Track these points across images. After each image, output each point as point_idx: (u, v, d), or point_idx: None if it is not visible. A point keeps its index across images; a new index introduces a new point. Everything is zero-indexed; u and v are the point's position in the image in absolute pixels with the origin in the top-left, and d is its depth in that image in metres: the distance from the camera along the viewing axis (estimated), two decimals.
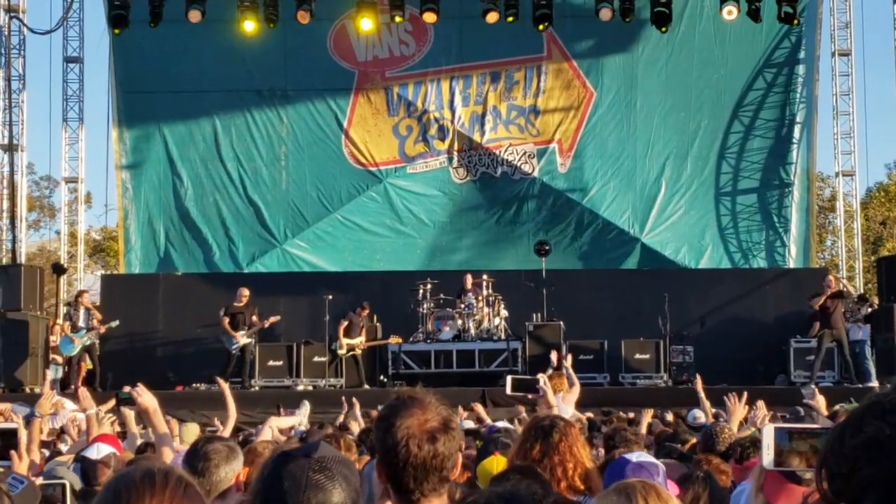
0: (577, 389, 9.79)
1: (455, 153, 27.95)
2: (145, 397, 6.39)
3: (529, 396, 8.35)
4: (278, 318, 22.96)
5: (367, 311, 23.16)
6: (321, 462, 2.94)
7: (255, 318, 22.77)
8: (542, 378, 7.94)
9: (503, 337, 23.16)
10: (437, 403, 3.35)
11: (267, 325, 22.78)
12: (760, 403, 9.39)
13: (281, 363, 23.16)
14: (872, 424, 1.64)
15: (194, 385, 22.64)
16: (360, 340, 22.96)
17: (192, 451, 4.84)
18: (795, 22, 25.72)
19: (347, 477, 2.96)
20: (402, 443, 3.23)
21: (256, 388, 22.52)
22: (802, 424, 3.26)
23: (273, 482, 2.95)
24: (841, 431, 1.69)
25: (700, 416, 12.57)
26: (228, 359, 22.56)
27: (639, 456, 4.61)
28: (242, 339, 22.50)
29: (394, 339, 23.04)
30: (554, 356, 11.18)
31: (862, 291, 30.20)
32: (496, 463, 5.74)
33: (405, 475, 3.25)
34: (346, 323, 22.96)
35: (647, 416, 10.63)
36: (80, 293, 24.38)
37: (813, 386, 17.35)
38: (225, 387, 8.63)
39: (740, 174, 27.89)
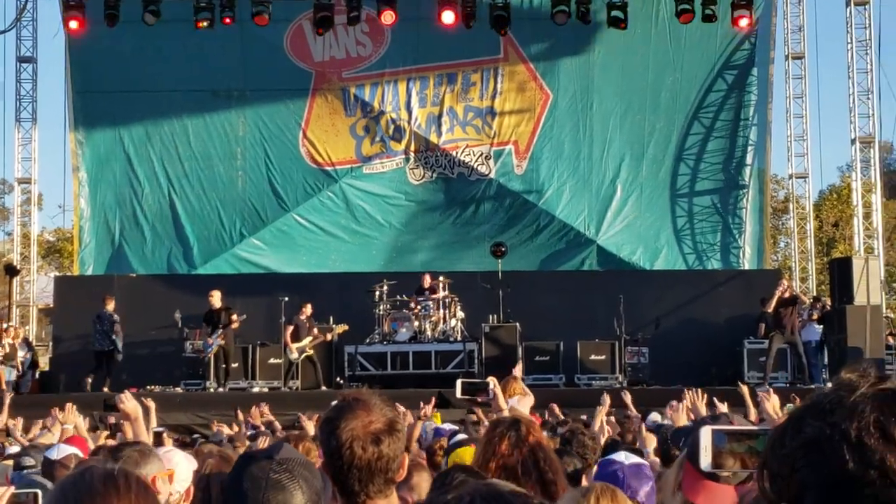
0: (531, 399, 9.81)
1: (412, 154, 27.95)
2: (129, 404, 6.34)
3: (479, 399, 8.33)
4: (244, 316, 22.85)
5: (309, 311, 22.99)
6: (283, 464, 2.95)
7: (234, 317, 22.55)
8: (492, 381, 7.94)
9: (459, 338, 23.14)
10: (383, 405, 3.34)
11: (235, 327, 22.65)
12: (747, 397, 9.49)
13: (236, 365, 23.06)
14: (812, 425, 1.63)
15: (148, 387, 22.49)
16: (308, 341, 22.83)
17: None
18: (749, 25, 25.91)
19: (309, 479, 2.96)
20: (347, 445, 3.22)
21: (211, 390, 22.41)
22: (739, 426, 3.26)
23: (235, 482, 2.94)
24: (781, 432, 1.67)
25: (657, 417, 12.62)
26: (197, 362, 22.61)
27: (628, 457, 4.61)
28: (217, 341, 22.43)
29: (339, 329, 22.96)
30: (517, 370, 11.18)
31: (815, 293, 30.48)
32: (472, 452, 5.71)
33: (350, 477, 3.23)
34: (291, 328, 22.83)
35: (601, 415, 10.66)
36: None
37: (767, 387, 17.47)
38: (151, 405, 8.68)
39: (696, 176, 28.04)
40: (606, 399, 11.15)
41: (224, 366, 22.51)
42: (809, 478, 1.61)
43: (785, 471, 1.64)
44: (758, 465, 1.72)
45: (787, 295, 22.14)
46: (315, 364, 22.89)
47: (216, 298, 22.66)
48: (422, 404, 11.96)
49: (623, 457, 4.57)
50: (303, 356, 22.81)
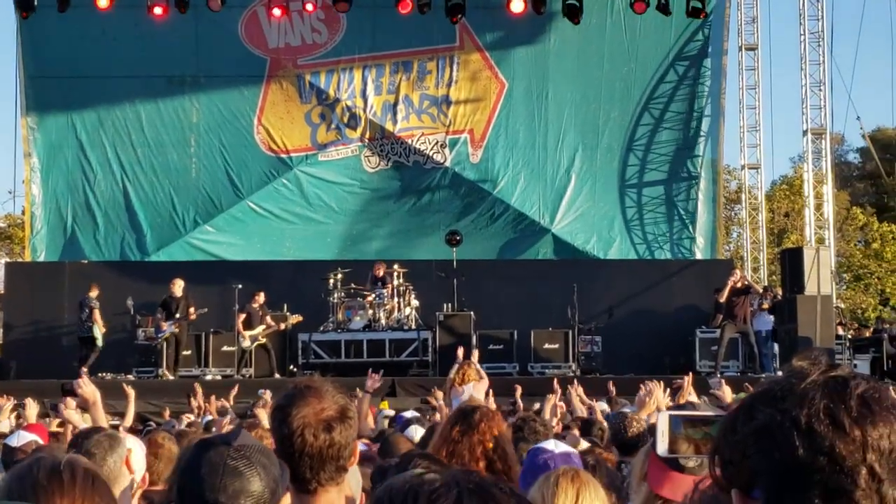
0: (486, 382, 9.86)
1: (367, 141, 27.90)
2: (87, 389, 6.31)
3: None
4: (205, 310, 22.76)
5: (261, 299, 22.93)
6: (241, 450, 2.93)
7: (192, 309, 22.48)
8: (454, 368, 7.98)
9: (414, 327, 23.17)
10: (334, 392, 3.33)
11: (192, 318, 22.55)
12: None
13: (190, 353, 22.97)
14: (763, 412, 1.65)
15: (100, 374, 22.33)
16: (260, 329, 22.78)
17: (73, 449, 4.75)
18: (703, 15, 26.06)
19: (267, 465, 2.95)
20: (298, 432, 3.22)
21: (171, 377, 22.30)
22: (697, 412, 3.28)
23: (191, 468, 2.93)
24: (733, 418, 1.69)
25: (605, 407, 12.70)
26: (154, 349, 22.55)
27: (557, 445, 4.61)
28: (170, 328, 22.34)
29: (293, 319, 22.93)
30: (460, 351, 11.21)
31: (766, 283, 30.74)
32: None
33: (301, 464, 3.23)
34: (243, 316, 22.77)
35: (550, 402, 10.72)
36: None
37: (719, 376, 17.61)
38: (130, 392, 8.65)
39: (648, 166, 28.16)
40: (557, 388, 11.23)
41: (175, 353, 22.43)
42: (760, 464, 1.63)
43: (736, 457, 1.66)
44: (710, 452, 1.74)
45: (739, 285, 22.31)
46: (269, 352, 22.85)
47: (178, 287, 22.58)
48: (370, 372, 11.88)
49: (552, 445, 4.58)
50: (255, 344, 22.76)
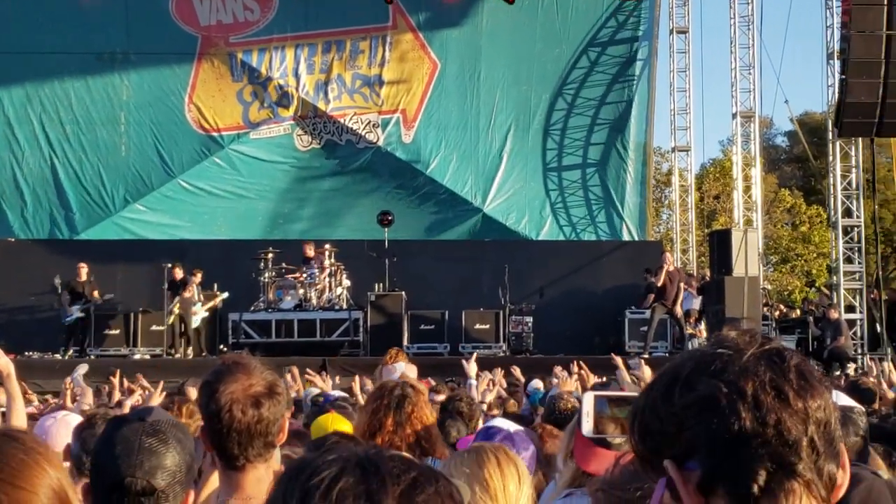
0: (414, 367, 9.93)
1: (299, 120, 27.78)
2: (1, 361, 6.22)
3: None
4: (111, 295, 22.63)
5: (198, 278, 22.81)
6: (155, 426, 2.93)
7: (95, 293, 22.44)
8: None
9: (345, 307, 23.14)
10: (263, 368, 3.33)
11: (101, 301, 22.41)
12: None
13: (118, 332, 22.79)
14: (706, 383, 1.64)
15: (27, 353, 22.11)
16: (206, 306, 22.70)
17: None
18: None
19: (182, 440, 2.95)
20: (226, 408, 3.20)
21: (92, 356, 22.11)
22: (622, 392, 3.33)
23: (106, 446, 2.92)
24: (667, 388, 1.67)
25: (539, 385, 12.76)
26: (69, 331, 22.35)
27: (508, 424, 4.63)
28: (76, 312, 22.17)
29: (217, 298, 22.80)
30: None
31: (695, 264, 31.08)
32: (331, 420, 5.73)
33: (229, 441, 3.22)
34: (186, 294, 22.66)
35: (483, 384, 10.76)
36: None
37: (638, 357, 17.76)
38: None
39: (579, 148, 28.30)
40: (498, 369, 11.31)
41: (82, 336, 22.33)
42: (700, 436, 1.62)
43: (670, 428, 1.65)
44: (629, 423, 1.73)
45: (671, 268, 22.55)
46: (199, 331, 22.76)
47: (83, 272, 22.61)
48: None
49: (502, 423, 4.61)
50: (199, 322, 22.64)
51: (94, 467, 2.95)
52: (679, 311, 22.54)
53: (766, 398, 1.62)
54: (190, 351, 22.67)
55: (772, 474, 1.61)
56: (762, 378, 1.64)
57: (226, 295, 22.95)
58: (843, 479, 1.66)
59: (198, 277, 22.77)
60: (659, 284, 22.38)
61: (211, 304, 22.76)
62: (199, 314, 22.49)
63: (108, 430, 2.97)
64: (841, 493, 1.66)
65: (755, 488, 1.61)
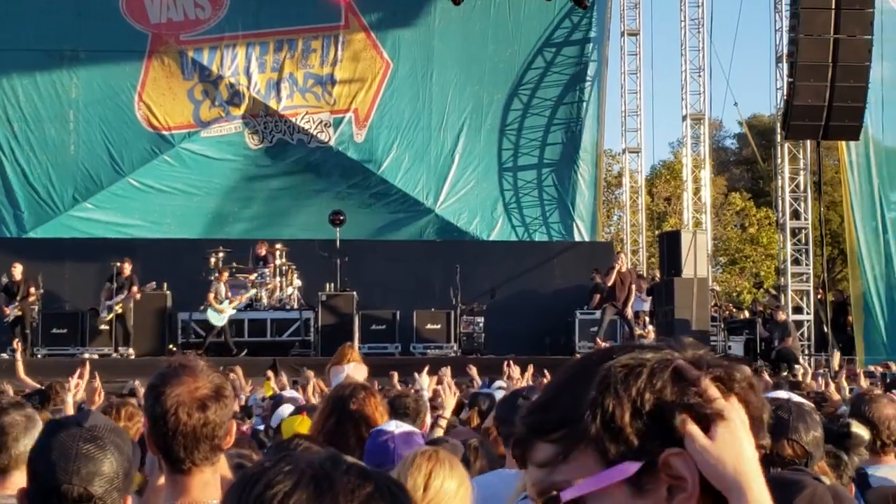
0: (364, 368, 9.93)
1: (250, 119, 27.67)
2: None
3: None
4: (39, 292, 22.43)
5: (127, 270, 22.52)
6: (92, 431, 2.90)
7: (32, 290, 22.26)
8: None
9: (296, 307, 23.09)
10: (210, 371, 3.30)
11: (32, 300, 22.21)
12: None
13: (66, 331, 22.59)
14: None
15: None
16: (118, 299, 22.38)
17: None
18: (584, 6, 26.40)
19: (120, 446, 2.93)
20: (172, 411, 3.17)
21: (39, 356, 21.91)
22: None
23: (42, 452, 2.90)
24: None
25: (504, 385, 12.76)
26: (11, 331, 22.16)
27: (398, 426, 4.60)
28: (13, 311, 22.01)
29: (149, 287, 22.58)
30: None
31: (645, 266, 31.25)
32: (300, 422, 5.72)
33: (175, 444, 3.19)
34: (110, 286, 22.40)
35: (433, 383, 10.74)
36: None
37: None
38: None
39: (530, 149, 28.39)
40: (446, 370, 11.30)
41: (25, 332, 22.10)
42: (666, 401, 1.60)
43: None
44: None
45: (623, 269, 22.66)
46: (125, 325, 22.46)
47: (18, 271, 22.32)
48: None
49: (393, 426, 4.58)
50: (110, 315, 22.33)
51: (31, 473, 2.92)
52: (629, 312, 22.65)
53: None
54: (131, 350, 22.46)
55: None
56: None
57: (254, 292, 22.75)
58: None
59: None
60: (609, 284, 22.48)
61: (238, 300, 22.43)
62: (226, 312, 22.25)
63: (44, 436, 2.94)
64: None
65: None
